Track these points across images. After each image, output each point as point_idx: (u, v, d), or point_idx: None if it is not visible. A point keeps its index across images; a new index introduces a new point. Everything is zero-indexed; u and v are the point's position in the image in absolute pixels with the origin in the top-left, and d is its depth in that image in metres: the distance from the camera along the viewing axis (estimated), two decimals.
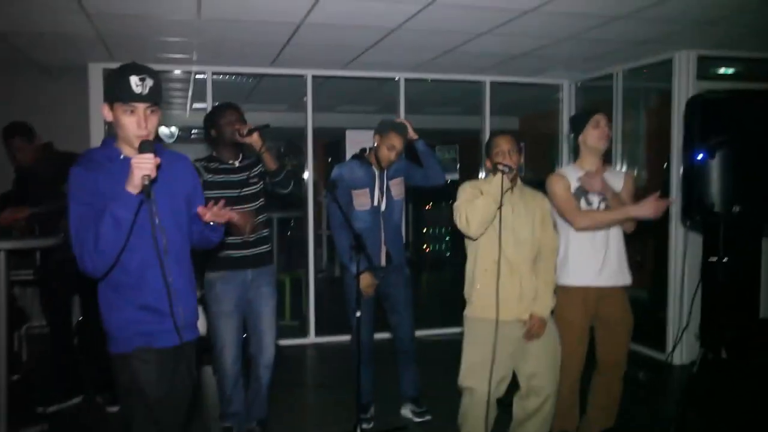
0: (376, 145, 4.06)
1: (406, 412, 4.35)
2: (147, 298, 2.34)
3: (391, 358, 4.35)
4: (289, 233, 8.29)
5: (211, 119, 3.68)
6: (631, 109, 6.64)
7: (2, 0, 3.92)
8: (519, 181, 3.35)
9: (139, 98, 2.19)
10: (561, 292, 3.48)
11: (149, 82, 2.19)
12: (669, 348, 5.50)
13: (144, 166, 2.09)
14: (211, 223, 2.51)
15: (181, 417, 2.60)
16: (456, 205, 3.27)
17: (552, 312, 3.35)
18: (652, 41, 5.15)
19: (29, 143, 4.39)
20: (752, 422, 4.04)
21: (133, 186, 2.11)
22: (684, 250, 5.52)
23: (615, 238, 3.53)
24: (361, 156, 4.16)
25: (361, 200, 4.06)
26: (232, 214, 2.50)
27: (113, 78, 2.24)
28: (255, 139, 3.49)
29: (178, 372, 2.48)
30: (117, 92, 2.20)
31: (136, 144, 2.21)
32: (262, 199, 3.73)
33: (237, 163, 3.67)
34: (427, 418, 4.23)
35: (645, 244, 6.89)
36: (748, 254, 5.78)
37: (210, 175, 3.61)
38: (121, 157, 2.29)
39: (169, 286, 2.29)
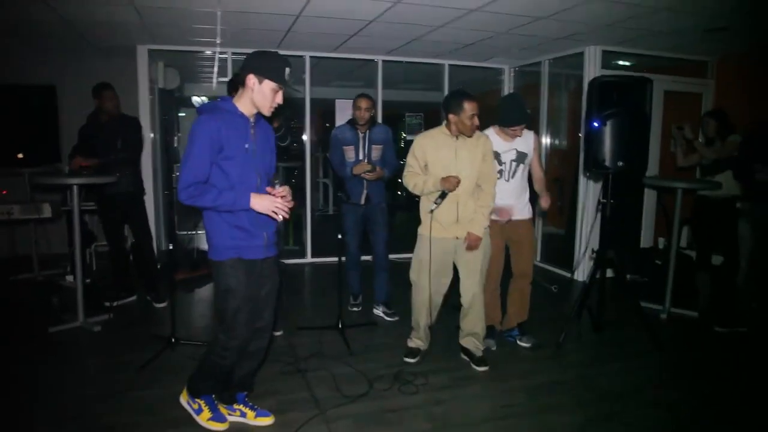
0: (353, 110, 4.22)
1: (378, 312, 4.47)
2: (241, 221, 2.40)
3: (369, 274, 4.50)
4: (293, 180, 8.37)
5: None
6: (556, 90, 6.64)
7: None
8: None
9: (285, 84, 2.36)
10: None
11: (288, 72, 2.35)
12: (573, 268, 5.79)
13: (277, 213, 2.32)
14: None
15: (269, 309, 2.63)
16: (405, 173, 3.41)
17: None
18: (567, 38, 5.21)
19: (116, 96, 4.48)
20: (621, 319, 4.36)
21: (255, 208, 2.31)
22: (584, 195, 5.78)
23: (521, 187, 3.68)
24: (351, 121, 4.28)
25: (349, 154, 4.26)
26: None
27: (271, 61, 2.34)
28: None
29: (263, 278, 2.54)
30: (273, 74, 2.32)
31: (266, 112, 2.38)
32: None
33: None
34: (396, 318, 4.36)
35: (564, 194, 6.95)
36: (632, 198, 5.86)
37: None
38: (239, 113, 2.37)
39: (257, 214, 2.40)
